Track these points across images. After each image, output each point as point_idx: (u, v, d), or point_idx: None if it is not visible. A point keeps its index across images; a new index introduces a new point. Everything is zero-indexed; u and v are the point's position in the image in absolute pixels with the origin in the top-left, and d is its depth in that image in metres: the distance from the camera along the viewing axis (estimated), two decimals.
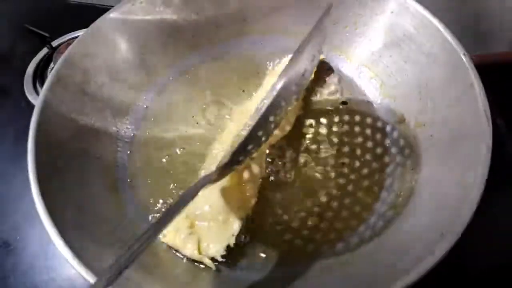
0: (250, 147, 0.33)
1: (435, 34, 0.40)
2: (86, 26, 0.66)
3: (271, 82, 0.46)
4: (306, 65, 0.37)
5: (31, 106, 0.58)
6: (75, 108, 0.42)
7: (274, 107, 0.33)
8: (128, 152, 0.45)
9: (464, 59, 0.37)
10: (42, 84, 0.61)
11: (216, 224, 0.38)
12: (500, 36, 0.63)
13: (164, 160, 0.44)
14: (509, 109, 0.52)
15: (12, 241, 0.47)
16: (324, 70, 0.50)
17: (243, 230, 0.38)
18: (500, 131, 0.50)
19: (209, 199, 0.39)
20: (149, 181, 0.43)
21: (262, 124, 0.33)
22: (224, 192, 0.40)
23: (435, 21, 0.40)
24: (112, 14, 0.46)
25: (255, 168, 0.42)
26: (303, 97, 0.48)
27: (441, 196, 0.34)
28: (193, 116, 0.48)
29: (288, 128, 0.45)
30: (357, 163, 0.43)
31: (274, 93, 0.32)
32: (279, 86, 0.32)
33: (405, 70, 0.44)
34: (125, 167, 0.44)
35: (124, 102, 0.47)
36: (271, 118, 0.34)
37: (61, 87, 0.40)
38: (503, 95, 0.51)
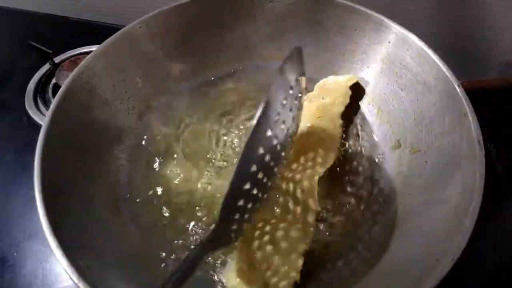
0: (241, 202, 0.30)
1: (431, 65, 0.42)
2: (88, 43, 0.68)
3: None
4: (276, 131, 0.30)
5: (31, 122, 0.59)
6: (80, 127, 0.42)
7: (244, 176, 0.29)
8: (130, 172, 0.46)
9: (458, 90, 0.39)
10: (43, 100, 0.62)
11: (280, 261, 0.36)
12: (490, 62, 0.66)
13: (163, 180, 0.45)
14: (499, 134, 0.54)
15: (10, 258, 0.46)
16: None
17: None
18: (490, 156, 0.52)
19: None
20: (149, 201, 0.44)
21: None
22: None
23: (430, 52, 0.42)
24: (122, 34, 0.47)
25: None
26: None
27: (436, 222, 0.35)
28: None
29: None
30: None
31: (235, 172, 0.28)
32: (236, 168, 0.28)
33: (401, 97, 0.46)
34: (126, 186, 0.44)
35: (130, 123, 0.48)
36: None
37: (67, 106, 0.41)
38: (493, 120, 0.53)
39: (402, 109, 0.46)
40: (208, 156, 0.47)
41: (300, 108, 0.36)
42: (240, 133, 0.49)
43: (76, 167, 0.40)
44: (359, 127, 0.49)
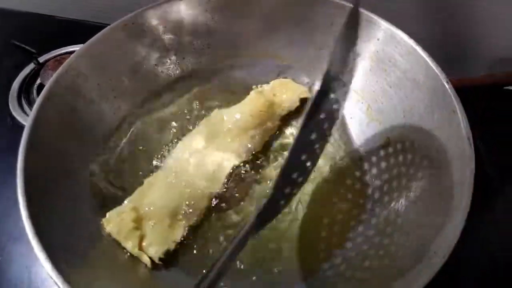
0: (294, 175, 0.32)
1: (420, 62, 0.42)
2: (73, 42, 0.67)
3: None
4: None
5: (15, 123, 0.58)
6: (64, 127, 0.41)
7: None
8: (115, 173, 0.45)
9: (447, 86, 0.39)
10: (27, 100, 0.61)
11: (161, 226, 0.41)
12: (478, 58, 0.66)
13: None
14: (488, 131, 0.54)
15: None
16: None
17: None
18: (480, 153, 0.52)
19: (161, 198, 0.42)
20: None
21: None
22: (176, 194, 0.43)
23: (419, 49, 0.42)
24: (106, 33, 0.46)
25: None
26: None
27: (427, 217, 0.35)
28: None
29: None
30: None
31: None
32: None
33: (390, 95, 0.46)
34: (112, 186, 0.44)
35: (112, 122, 0.47)
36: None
37: (51, 106, 0.40)
38: (482, 117, 0.53)
39: (391, 106, 0.46)
40: None
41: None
42: None
43: (60, 168, 0.39)
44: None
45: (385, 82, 0.46)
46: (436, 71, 0.40)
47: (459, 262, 0.41)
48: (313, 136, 0.31)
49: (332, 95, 0.31)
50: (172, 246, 0.40)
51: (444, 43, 0.64)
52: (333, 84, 0.32)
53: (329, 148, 0.48)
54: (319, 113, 0.31)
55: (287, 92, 0.52)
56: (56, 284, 0.29)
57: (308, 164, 0.33)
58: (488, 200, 0.50)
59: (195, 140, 0.48)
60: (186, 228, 0.42)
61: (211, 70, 0.54)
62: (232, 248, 0.29)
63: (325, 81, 0.30)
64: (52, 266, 0.30)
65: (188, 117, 0.52)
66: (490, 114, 0.56)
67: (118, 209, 0.41)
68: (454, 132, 0.37)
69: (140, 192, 0.43)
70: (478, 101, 0.56)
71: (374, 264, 0.36)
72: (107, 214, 0.40)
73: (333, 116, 0.33)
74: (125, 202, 0.42)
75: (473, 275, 0.45)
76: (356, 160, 0.47)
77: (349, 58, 0.34)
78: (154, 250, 0.39)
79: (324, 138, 0.33)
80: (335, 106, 0.33)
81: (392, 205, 0.41)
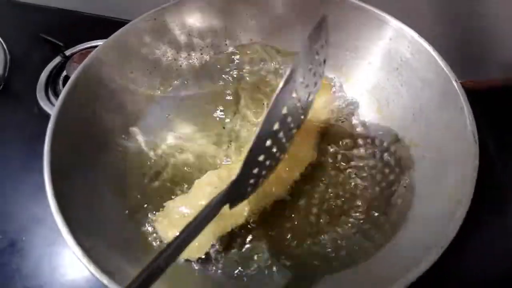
0: (261, 158, 0.32)
1: (430, 60, 0.42)
2: (98, 37, 0.70)
3: None
4: (299, 94, 0.32)
5: (42, 112, 0.60)
6: (87, 116, 0.44)
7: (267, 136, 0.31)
8: (134, 157, 0.47)
9: (455, 85, 0.39)
10: (54, 91, 0.64)
11: None
12: (494, 62, 0.66)
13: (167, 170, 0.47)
14: (499, 131, 0.54)
15: (19, 241, 0.48)
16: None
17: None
18: (490, 152, 0.52)
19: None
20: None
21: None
22: None
23: (429, 48, 0.43)
24: (129, 28, 0.49)
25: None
26: None
27: (432, 211, 0.36)
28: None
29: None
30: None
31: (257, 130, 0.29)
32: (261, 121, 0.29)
33: (401, 93, 0.47)
34: (131, 171, 0.46)
35: (134, 111, 0.50)
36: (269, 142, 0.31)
37: (76, 97, 0.43)
38: (494, 118, 0.53)
39: (402, 105, 0.47)
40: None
41: (322, 75, 0.37)
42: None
43: (83, 154, 0.42)
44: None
45: (397, 80, 0.47)
46: (445, 70, 0.41)
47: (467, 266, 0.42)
48: (276, 127, 0.30)
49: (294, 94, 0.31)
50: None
51: (459, 45, 0.64)
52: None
53: None
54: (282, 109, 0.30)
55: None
56: (76, 256, 0.31)
57: (275, 150, 0.33)
58: (498, 197, 0.50)
59: None
60: None
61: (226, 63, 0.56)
62: (195, 221, 0.30)
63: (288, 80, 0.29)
64: (74, 241, 0.32)
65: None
66: (503, 115, 0.56)
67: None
68: (461, 129, 0.37)
69: None
70: (492, 103, 0.56)
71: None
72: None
73: (296, 113, 0.34)
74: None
75: (481, 278, 0.45)
76: None
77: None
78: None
79: (287, 128, 0.33)
80: (298, 104, 0.33)
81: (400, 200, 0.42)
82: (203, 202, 0.40)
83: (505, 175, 0.51)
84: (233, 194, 0.33)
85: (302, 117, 0.36)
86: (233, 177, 0.31)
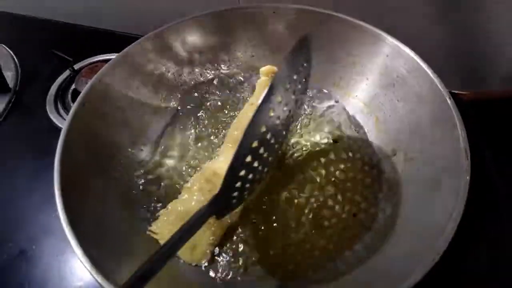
0: (242, 173, 0.33)
1: (425, 77, 0.44)
2: (105, 52, 0.72)
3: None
4: (278, 113, 0.33)
5: (52, 125, 0.62)
6: (96, 131, 0.46)
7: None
8: (142, 173, 0.49)
9: (449, 102, 0.41)
10: (63, 104, 0.66)
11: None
12: (493, 73, 0.67)
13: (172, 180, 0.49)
14: (496, 142, 0.55)
15: (28, 250, 0.50)
16: None
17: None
18: (487, 163, 0.53)
19: None
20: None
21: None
22: None
23: (424, 66, 0.44)
24: (135, 46, 0.51)
25: None
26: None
27: (423, 225, 0.38)
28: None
29: None
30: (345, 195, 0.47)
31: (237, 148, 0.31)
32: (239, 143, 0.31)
33: (397, 108, 0.48)
34: (139, 184, 0.48)
35: (140, 128, 0.52)
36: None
37: (85, 111, 0.45)
38: (492, 129, 0.54)
39: (398, 119, 0.48)
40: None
41: (304, 92, 0.39)
42: None
43: (92, 167, 0.44)
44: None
45: (393, 95, 0.49)
46: (439, 86, 0.42)
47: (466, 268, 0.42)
48: (255, 144, 0.32)
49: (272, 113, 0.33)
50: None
51: (461, 58, 0.65)
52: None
53: None
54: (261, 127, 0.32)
55: None
56: (85, 267, 0.33)
57: (256, 164, 0.34)
58: (494, 208, 0.51)
59: None
60: None
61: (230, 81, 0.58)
62: (180, 233, 0.32)
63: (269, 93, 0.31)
64: (82, 252, 0.33)
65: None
66: (502, 126, 0.57)
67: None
68: (454, 145, 0.39)
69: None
70: (491, 114, 0.57)
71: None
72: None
73: (277, 130, 0.35)
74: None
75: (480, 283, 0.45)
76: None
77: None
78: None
79: (267, 144, 0.34)
80: (277, 122, 0.34)
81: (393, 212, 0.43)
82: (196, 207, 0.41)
83: (502, 182, 0.52)
84: (218, 206, 0.35)
85: (284, 132, 0.38)
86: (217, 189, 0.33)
